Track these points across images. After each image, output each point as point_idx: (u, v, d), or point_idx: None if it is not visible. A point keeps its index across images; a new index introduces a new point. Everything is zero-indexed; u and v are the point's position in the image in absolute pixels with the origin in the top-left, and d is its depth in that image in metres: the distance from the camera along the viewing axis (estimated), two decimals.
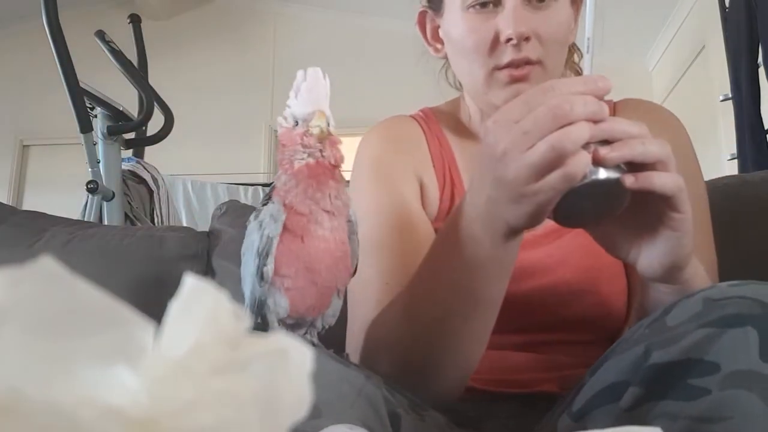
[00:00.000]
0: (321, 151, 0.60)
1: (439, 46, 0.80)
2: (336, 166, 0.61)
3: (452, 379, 0.62)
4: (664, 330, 0.46)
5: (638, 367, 0.46)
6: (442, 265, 0.59)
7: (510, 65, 0.68)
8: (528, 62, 0.68)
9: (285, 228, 0.61)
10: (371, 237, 0.72)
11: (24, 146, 4.67)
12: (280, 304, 0.62)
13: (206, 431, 0.15)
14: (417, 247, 0.68)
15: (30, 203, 4.02)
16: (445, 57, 0.81)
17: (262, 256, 0.62)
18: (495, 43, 0.68)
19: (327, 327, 0.67)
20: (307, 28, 4.56)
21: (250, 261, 0.65)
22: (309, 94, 0.59)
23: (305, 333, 0.66)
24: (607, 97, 0.57)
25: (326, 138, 0.59)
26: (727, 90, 2.10)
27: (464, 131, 0.83)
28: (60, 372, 0.14)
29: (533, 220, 0.50)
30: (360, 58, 4.35)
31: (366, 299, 0.70)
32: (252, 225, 0.65)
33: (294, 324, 0.65)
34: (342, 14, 4.50)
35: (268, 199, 0.64)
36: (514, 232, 0.53)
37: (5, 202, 1.35)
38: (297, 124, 0.60)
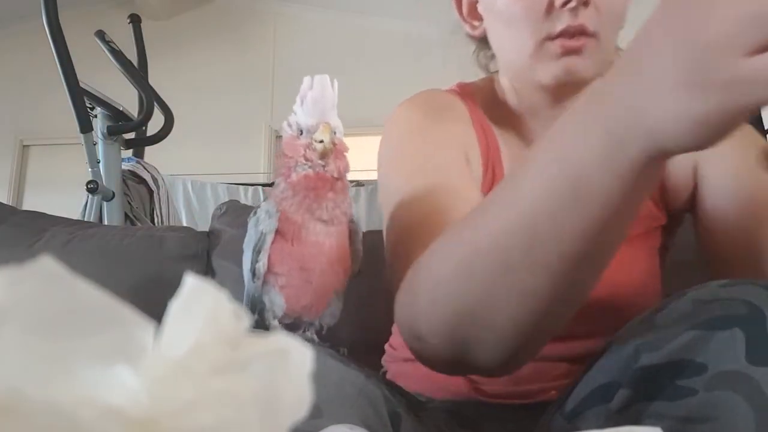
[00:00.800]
0: (323, 165, 0.59)
1: (476, 23, 0.73)
2: (339, 178, 0.60)
3: (505, 348, 0.45)
4: (654, 330, 0.46)
5: (628, 369, 0.46)
6: (528, 197, 0.39)
7: (564, 34, 0.62)
8: (583, 32, 0.62)
9: (277, 230, 0.61)
10: (412, 194, 0.59)
11: (24, 146, 4.67)
12: (275, 302, 0.62)
13: (206, 431, 0.15)
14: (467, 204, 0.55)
15: (30, 203, 4.02)
16: (481, 36, 0.74)
17: (255, 252, 0.62)
18: (549, 8, 0.62)
19: (326, 327, 0.67)
20: (307, 28, 4.56)
21: (246, 256, 0.66)
22: (315, 105, 0.59)
23: (303, 332, 0.66)
24: None
25: (330, 153, 0.59)
26: None
27: (504, 116, 0.74)
28: (60, 372, 0.14)
29: (711, 135, 0.31)
30: (360, 58, 4.35)
31: (409, 251, 0.55)
32: (251, 221, 0.66)
33: (291, 324, 0.65)
34: (342, 14, 4.50)
35: (266, 199, 0.65)
36: (659, 157, 0.34)
37: (5, 202, 1.35)
38: (302, 134, 0.60)
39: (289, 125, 0.61)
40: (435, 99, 0.73)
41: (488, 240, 0.42)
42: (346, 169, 0.61)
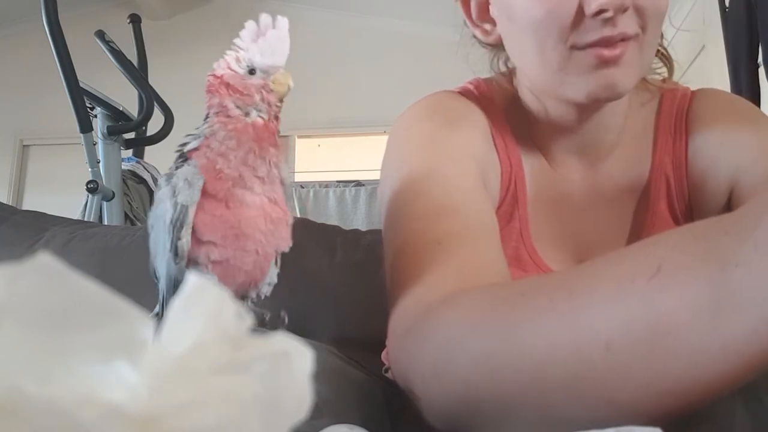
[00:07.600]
0: (276, 113, 0.52)
1: (488, 26, 0.63)
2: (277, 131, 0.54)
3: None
4: None
5: None
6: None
7: (599, 42, 0.52)
8: (623, 38, 0.52)
9: (206, 193, 0.52)
10: (426, 201, 0.53)
11: (24, 146, 4.67)
12: None
13: (207, 431, 0.15)
14: (481, 214, 0.51)
15: (30, 203, 4.02)
16: (496, 42, 0.63)
17: (176, 228, 0.52)
18: (578, 18, 0.52)
19: (263, 298, 0.59)
20: (307, 28, 4.56)
21: (161, 234, 0.55)
22: (277, 45, 0.52)
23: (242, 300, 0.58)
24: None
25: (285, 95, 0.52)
26: (727, 90, 2.11)
27: (527, 128, 0.65)
28: (59, 368, 0.14)
29: None
30: (360, 58, 4.35)
31: (424, 264, 0.48)
32: (163, 191, 0.55)
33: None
34: (342, 14, 4.50)
35: (184, 159, 0.56)
36: None
37: (5, 202, 1.35)
38: (253, 73, 0.53)
39: (237, 61, 0.54)
40: (450, 106, 0.63)
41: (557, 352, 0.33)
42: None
